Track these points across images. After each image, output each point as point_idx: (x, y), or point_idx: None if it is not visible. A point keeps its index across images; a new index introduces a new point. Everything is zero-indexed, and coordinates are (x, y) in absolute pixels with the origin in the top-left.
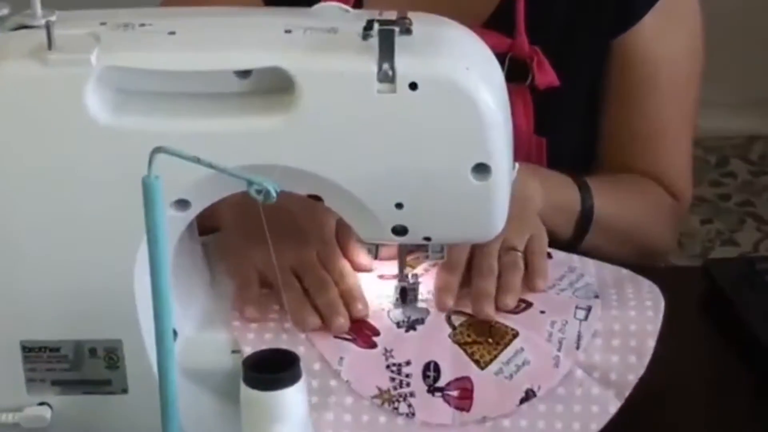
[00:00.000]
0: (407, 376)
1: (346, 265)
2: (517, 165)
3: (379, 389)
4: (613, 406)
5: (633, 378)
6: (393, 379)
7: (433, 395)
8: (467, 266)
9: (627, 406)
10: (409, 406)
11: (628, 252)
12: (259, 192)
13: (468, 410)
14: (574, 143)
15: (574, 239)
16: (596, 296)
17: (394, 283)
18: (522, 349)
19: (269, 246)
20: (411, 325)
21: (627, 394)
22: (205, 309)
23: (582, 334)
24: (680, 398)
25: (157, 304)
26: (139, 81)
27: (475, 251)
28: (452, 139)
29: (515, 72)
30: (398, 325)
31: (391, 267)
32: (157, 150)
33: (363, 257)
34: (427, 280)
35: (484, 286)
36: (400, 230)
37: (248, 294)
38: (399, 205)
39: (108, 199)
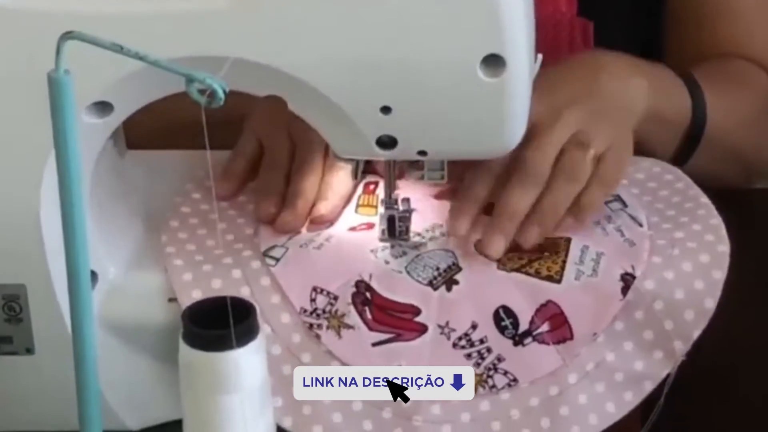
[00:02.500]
0: (482, 341)
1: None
2: (539, 57)
3: None
4: (723, 245)
5: (717, 222)
6: (470, 356)
7: (524, 344)
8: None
9: (691, 368)
10: (505, 373)
11: (736, 170)
12: (202, 92)
13: (571, 337)
14: (628, 28)
15: (678, 158)
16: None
17: (371, 233)
18: (587, 246)
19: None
20: (449, 279)
21: (725, 233)
22: (135, 245)
23: (636, 217)
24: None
25: (68, 238)
26: None
27: (526, 142)
28: (456, 22)
29: None
30: (432, 285)
31: (353, 213)
32: (67, 36)
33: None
34: (424, 209)
35: (512, 202)
36: (387, 142)
37: (232, 165)
38: (385, 110)
39: (6, 102)
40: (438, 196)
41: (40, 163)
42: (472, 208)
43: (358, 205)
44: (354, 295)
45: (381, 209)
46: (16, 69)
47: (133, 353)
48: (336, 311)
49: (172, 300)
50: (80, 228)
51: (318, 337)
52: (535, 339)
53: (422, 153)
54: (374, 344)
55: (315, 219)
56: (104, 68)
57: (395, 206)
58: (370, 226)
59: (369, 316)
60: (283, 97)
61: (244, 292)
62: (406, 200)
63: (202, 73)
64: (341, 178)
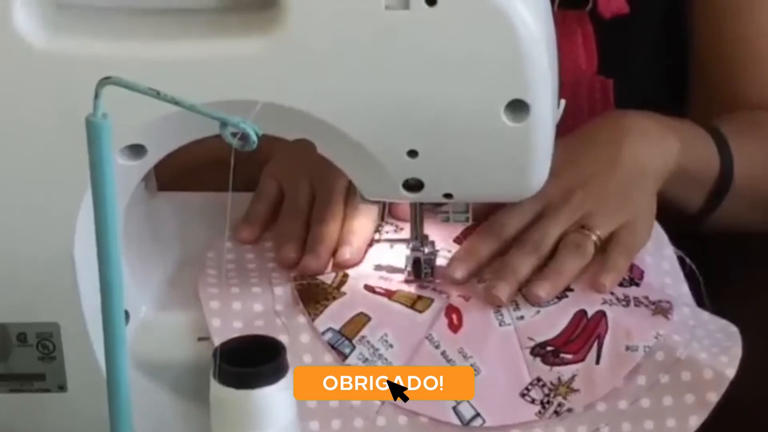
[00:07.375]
0: (624, 298)
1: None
2: (563, 103)
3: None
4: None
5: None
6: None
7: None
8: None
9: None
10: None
11: (762, 217)
12: (235, 135)
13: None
14: (648, 83)
15: (704, 210)
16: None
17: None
18: None
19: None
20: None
21: None
22: (166, 284)
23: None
24: None
25: (103, 277)
26: None
27: (537, 220)
28: (481, 68)
29: None
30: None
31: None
32: (106, 81)
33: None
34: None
35: (513, 261)
36: (414, 185)
37: (255, 209)
38: (412, 153)
39: (42, 144)
40: (459, 240)
41: (75, 203)
42: (472, 262)
43: (404, 303)
44: (543, 360)
45: (407, 251)
46: (50, 110)
47: (163, 391)
48: (551, 383)
49: (202, 339)
50: (114, 269)
51: (570, 410)
52: (634, 302)
53: (448, 195)
54: (597, 362)
55: (340, 264)
56: (139, 112)
57: (421, 248)
58: (450, 311)
59: (569, 356)
60: (311, 140)
61: None
62: (431, 242)
63: (236, 117)
64: (363, 224)
